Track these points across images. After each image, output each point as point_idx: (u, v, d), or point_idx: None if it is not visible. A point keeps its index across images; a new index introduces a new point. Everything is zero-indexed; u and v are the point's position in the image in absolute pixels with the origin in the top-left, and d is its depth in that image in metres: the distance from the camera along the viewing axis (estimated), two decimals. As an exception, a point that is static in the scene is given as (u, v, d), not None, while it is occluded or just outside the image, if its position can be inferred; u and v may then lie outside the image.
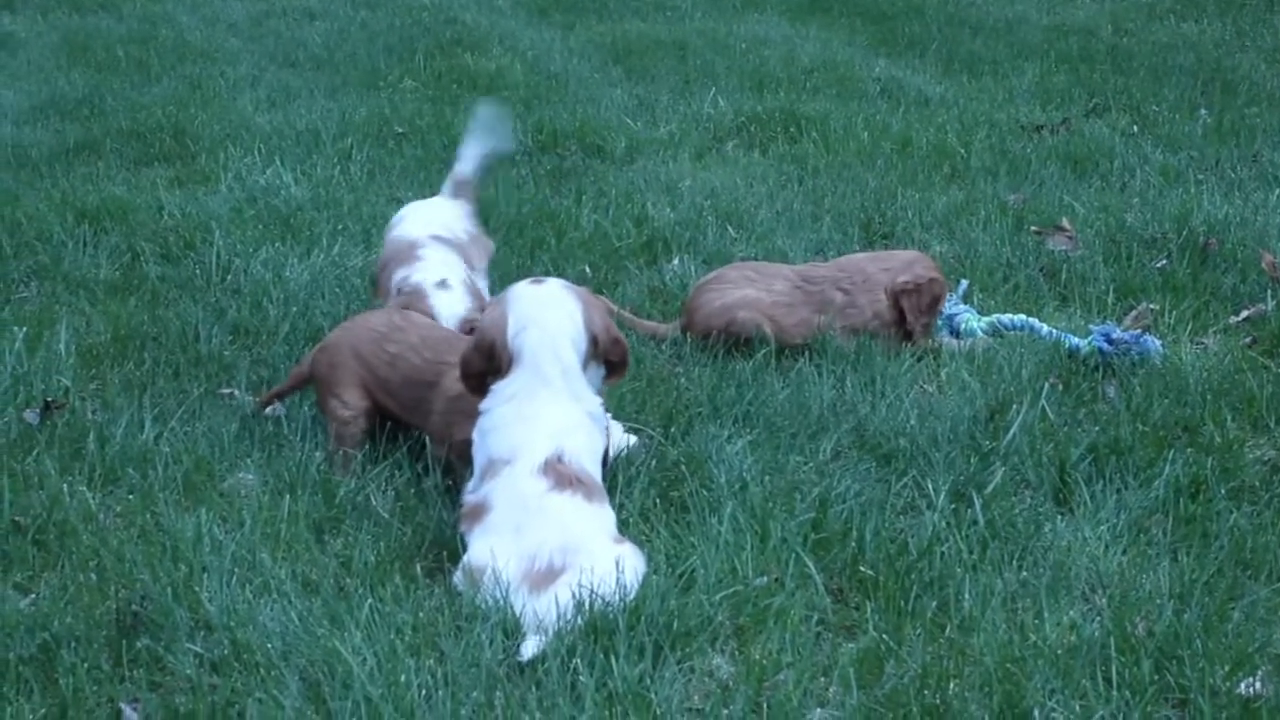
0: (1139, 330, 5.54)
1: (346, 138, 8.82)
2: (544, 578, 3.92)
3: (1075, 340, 5.61)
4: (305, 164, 8.27)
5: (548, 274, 6.29)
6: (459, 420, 4.55)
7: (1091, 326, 5.63)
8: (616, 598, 3.87)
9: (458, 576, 4.09)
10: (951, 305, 5.97)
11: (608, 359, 4.45)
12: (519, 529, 4.06)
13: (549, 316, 4.35)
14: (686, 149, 8.71)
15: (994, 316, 5.92)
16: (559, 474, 4.14)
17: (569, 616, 3.84)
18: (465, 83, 10.49)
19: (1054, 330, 5.77)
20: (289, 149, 8.60)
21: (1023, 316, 5.89)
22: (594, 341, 4.38)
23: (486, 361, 4.35)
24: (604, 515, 4.18)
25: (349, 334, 5.00)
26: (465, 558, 4.12)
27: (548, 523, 4.05)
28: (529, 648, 3.74)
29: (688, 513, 4.45)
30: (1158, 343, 5.55)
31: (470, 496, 4.25)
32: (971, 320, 5.89)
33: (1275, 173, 8.03)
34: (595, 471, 4.27)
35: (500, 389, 4.31)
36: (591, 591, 3.86)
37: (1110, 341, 5.49)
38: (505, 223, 7.08)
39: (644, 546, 4.21)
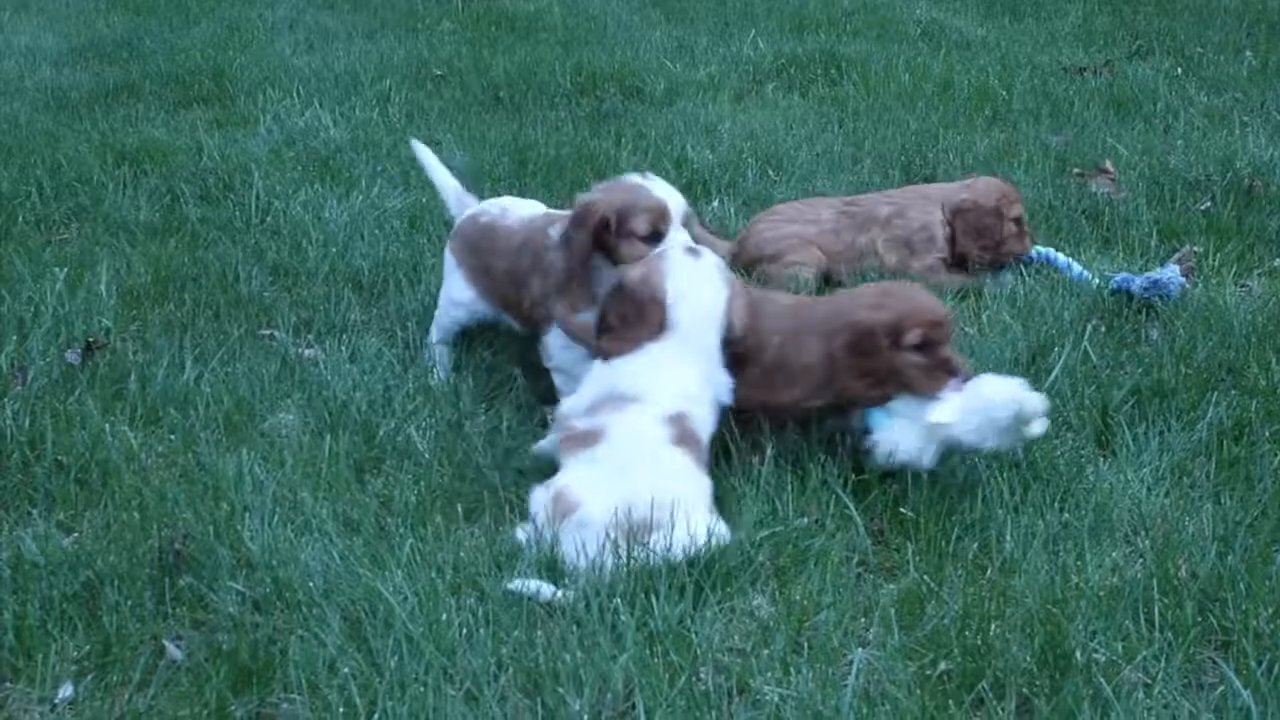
0: (1155, 274, 5.49)
1: (385, 80, 8.80)
2: (637, 530, 3.89)
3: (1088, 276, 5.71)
4: (344, 106, 8.26)
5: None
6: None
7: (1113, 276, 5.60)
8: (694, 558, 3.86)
9: (539, 497, 4.05)
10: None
11: (733, 350, 4.40)
12: (624, 470, 4.02)
13: (705, 294, 4.34)
14: (726, 91, 8.67)
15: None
16: (683, 429, 4.12)
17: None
18: (504, 24, 10.47)
19: (1070, 261, 5.82)
20: (327, 91, 8.60)
21: (1048, 249, 5.90)
22: (729, 329, 4.36)
23: (637, 317, 4.30)
24: (706, 485, 4.11)
25: None
26: (557, 481, 4.07)
27: (660, 473, 4.01)
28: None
29: (729, 455, 4.43)
30: (1178, 278, 5.49)
31: (578, 421, 4.21)
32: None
33: (1321, 114, 7.95)
34: (706, 445, 4.24)
35: (650, 348, 4.28)
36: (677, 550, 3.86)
37: (1129, 293, 5.47)
38: (543, 165, 7.05)
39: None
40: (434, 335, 5.18)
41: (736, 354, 4.40)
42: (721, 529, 3.97)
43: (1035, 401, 4.24)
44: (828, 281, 5.75)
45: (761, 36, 9.92)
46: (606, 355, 4.28)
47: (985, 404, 4.22)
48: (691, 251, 4.41)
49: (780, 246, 5.81)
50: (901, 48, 9.67)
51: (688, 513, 3.90)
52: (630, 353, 4.25)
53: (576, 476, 4.03)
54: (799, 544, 4.01)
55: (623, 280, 4.34)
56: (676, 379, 4.22)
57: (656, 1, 11.18)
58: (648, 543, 3.84)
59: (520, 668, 3.53)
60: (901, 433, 4.29)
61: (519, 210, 5.12)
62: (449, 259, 5.16)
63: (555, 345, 4.76)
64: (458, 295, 5.11)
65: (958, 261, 5.78)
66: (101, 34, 10.30)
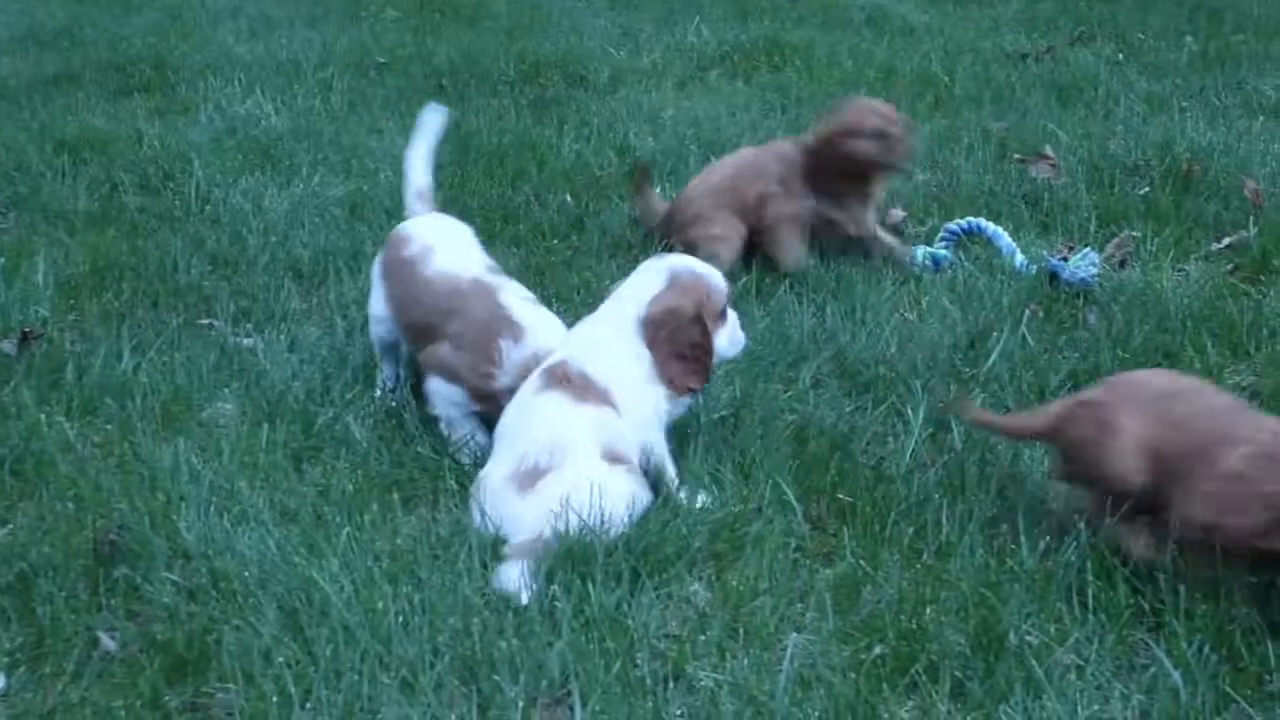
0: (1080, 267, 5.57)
1: (327, 68, 8.79)
2: (530, 475, 3.95)
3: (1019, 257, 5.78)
4: (286, 94, 8.24)
5: (528, 204, 6.33)
6: (1231, 503, 3.65)
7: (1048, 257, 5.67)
8: (594, 522, 3.87)
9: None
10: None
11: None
12: (509, 431, 4.14)
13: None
14: (669, 78, 8.69)
15: (942, 231, 5.99)
16: (552, 375, 4.15)
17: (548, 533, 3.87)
18: (448, 12, 10.46)
19: (999, 232, 5.93)
20: (269, 79, 8.56)
21: (970, 219, 6.00)
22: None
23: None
24: (595, 416, 4.09)
25: (1124, 390, 4.05)
26: None
27: (533, 421, 4.09)
28: (509, 579, 3.76)
29: (668, 441, 4.43)
30: (1092, 268, 5.60)
31: None
32: (920, 250, 5.89)
33: (1259, 100, 8.02)
34: (625, 393, 4.19)
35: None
36: (572, 514, 3.88)
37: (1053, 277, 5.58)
38: (485, 153, 7.05)
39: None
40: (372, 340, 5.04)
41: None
42: (620, 480, 4.00)
43: None
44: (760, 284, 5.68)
45: (706, 23, 9.93)
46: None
47: None
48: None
49: (698, 209, 5.88)
50: (845, 34, 9.69)
51: (572, 446, 3.97)
52: None
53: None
54: (736, 530, 4.02)
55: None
56: (582, 336, 4.30)
57: (601, -11, 11.18)
58: (537, 490, 3.92)
59: (456, 655, 3.52)
60: None
61: (441, 255, 4.75)
62: (374, 270, 4.93)
63: (435, 395, 4.65)
64: (376, 310, 4.88)
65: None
66: (41, 21, 10.23)
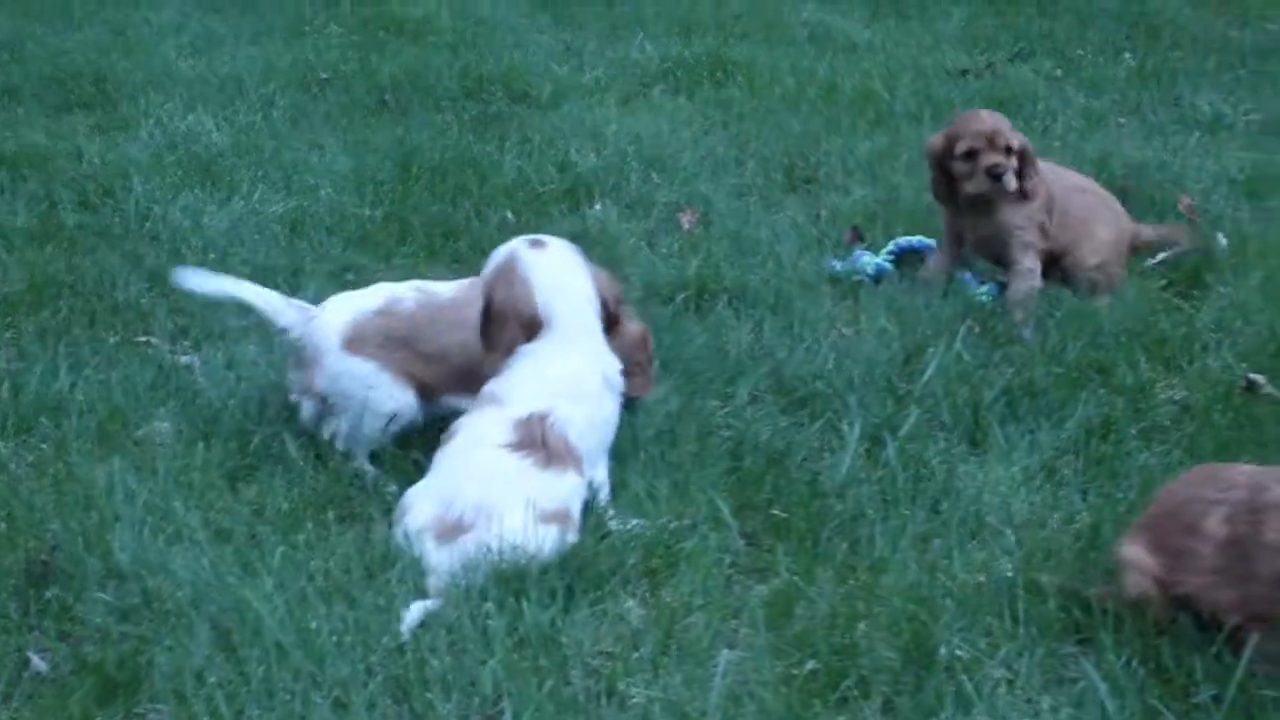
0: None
1: (270, 84, 8.74)
2: (452, 529, 3.92)
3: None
4: (227, 110, 8.21)
5: (468, 221, 6.34)
6: None
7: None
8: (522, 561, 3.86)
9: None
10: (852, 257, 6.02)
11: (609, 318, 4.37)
12: (450, 474, 4.05)
13: (572, 281, 4.31)
14: (612, 94, 8.70)
15: (891, 244, 6.01)
16: (529, 432, 4.08)
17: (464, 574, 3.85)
18: (392, 28, 10.42)
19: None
20: (211, 95, 8.53)
21: (919, 237, 6.00)
22: (604, 304, 4.33)
23: (526, 333, 4.24)
24: (554, 487, 4.04)
25: None
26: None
27: (479, 476, 4.00)
28: (410, 616, 3.72)
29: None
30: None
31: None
32: (868, 259, 5.93)
33: (1196, 115, 8.12)
34: (589, 439, 4.20)
35: (527, 349, 4.24)
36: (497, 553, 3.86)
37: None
38: (427, 169, 7.05)
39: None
40: None
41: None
42: (554, 535, 3.94)
43: None
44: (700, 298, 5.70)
45: (649, 40, 9.95)
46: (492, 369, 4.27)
47: None
48: (536, 243, 4.38)
49: None
50: (788, 50, 9.72)
51: (500, 518, 3.89)
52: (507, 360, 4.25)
53: (419, 483, 4.09)
54: (671, 546, 4.04)
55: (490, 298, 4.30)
56: (553, 375, 4.20)
57: (546, 5, 11.16)
58: (461, 543, 3.88)
59: (389, 674, 3.53)
60: None
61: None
62: None
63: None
64: None
65: None
66: (-19, 37, 10.17)
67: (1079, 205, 5.85)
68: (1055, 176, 5.89)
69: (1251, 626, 3.48)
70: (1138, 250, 5.87)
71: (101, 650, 3.62)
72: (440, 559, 3.87)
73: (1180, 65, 9.18)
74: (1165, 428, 4.70)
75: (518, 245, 4.35)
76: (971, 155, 5.64)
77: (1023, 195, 5.63)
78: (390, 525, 4.07)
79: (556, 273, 4.30)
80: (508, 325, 4.22)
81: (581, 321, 4.27)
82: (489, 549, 3.85)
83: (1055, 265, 5.74)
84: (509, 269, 4.30)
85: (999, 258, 5.73)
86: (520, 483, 3.99)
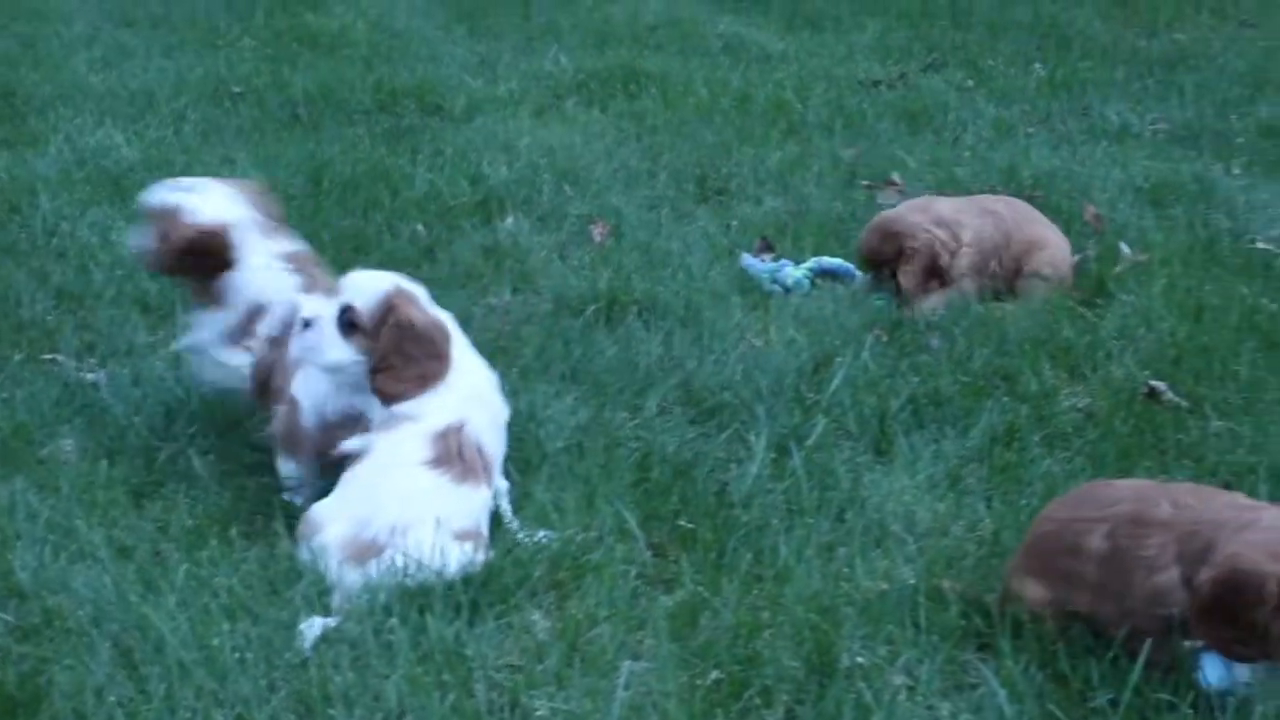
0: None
1: (181, 98, 8.70)
2: (366, 549, 3.90)
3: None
4: (138, 125, 8.17)
5: (380, 235, 6.33)
6: None
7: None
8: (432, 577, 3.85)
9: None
10: (775, 263, 6.06)
11: None
12: (363, 492, 4.02)
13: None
14: (526, 107, 8.72)
15: (813, 260, 6.03)
16: (450, 445, 4.07)
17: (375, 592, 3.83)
18: (306, 41, 10.40)
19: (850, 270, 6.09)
20: (121, 109, 8.49)
21: (840, 260, 6.03)
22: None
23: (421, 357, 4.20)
24: (468, 503, 4.04)
25: None
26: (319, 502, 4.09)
27: (395, 494, 3.98)
28: (310, 633, 3.70)
29: (512, 471, 4.46)
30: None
31: (350, 443, 4.17)
32: (793, 271, 5.96)
33: (1104, 125, 8.21)
34: (495, 445, 4.23)
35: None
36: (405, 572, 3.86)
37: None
38: (339, 183, 7.04)
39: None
40: None
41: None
42: (462, 551, 3.93)
43: None
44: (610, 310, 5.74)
45: (564, 52, 9.97)
46: (390, 399, 4.20)
47: None
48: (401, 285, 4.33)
49: None
50: (702, 62, 9.77)
51: (416, 537, 3.88)
52: (418, 395, 4.21)
53: (329, 498, 4.04)
54: (578, 558, 4.04)
55: (401, 319, 4.23)
56: (461, 383, 4.22)
57: (461, 18, 11.17)
58: (373, 565, 3.85)
59: (293, 689, 3.51)
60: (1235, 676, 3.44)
61: None
62: None
63: None
64: None
65: None
66: (-112, 52, 10.07)
67: (1026, 221, 6.02)
68: (1006, 207, 6.07)
69: (1135, 639, 3.53)
70: None
71: (1, 670, 3.59)
72: (352, 579, 3.85)
73: (1090, 76, 9.29)
74: (1068, 435, 4.74)
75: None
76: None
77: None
78: (295, 541, 4.05)
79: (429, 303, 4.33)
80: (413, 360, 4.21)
81: (463, 339, 4.31)
82: (400, 568, 3.84)
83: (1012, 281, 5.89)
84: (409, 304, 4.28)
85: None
86: (437, 501, 3.98)
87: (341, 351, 4.19)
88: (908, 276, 5.72)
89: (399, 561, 3.85)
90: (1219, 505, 3.56)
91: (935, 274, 5.74)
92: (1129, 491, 3.72)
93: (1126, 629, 3.52)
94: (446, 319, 4.31)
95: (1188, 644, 3.44)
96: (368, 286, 4.24)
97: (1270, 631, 3.29)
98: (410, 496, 3.98)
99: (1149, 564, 3.50)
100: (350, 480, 4.10)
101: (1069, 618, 3.64)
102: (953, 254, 5.75)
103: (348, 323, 4.18)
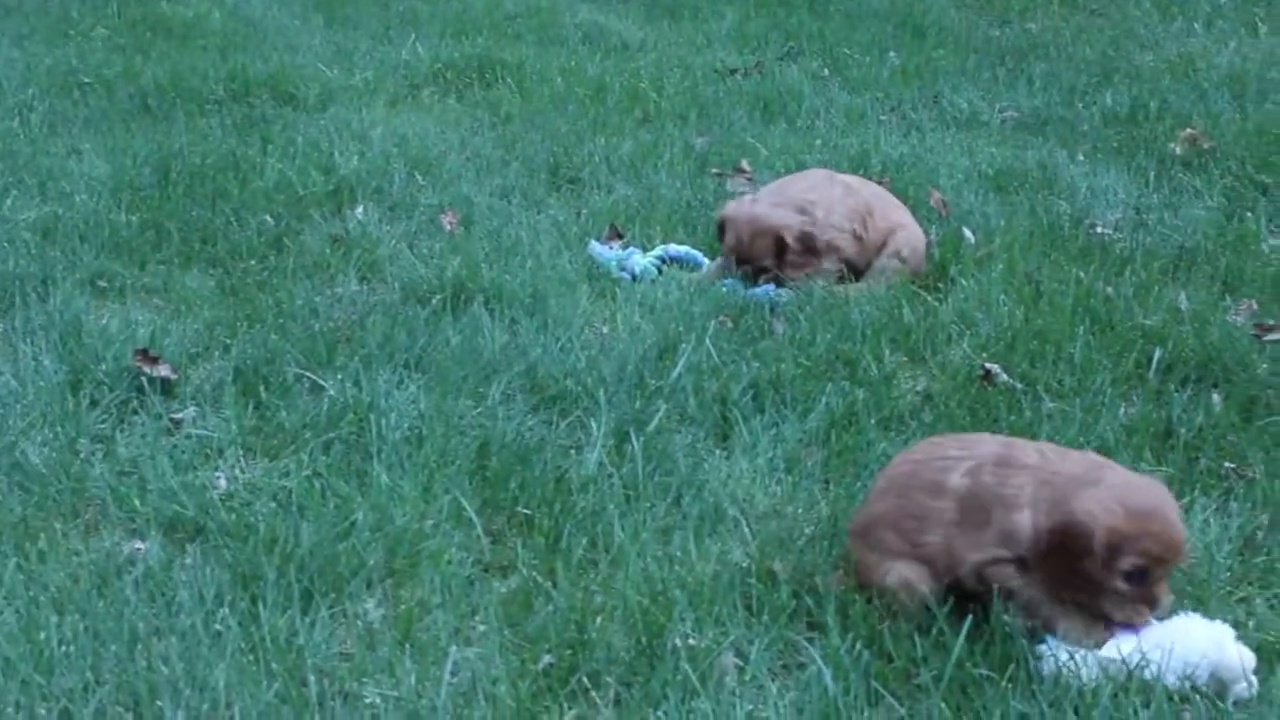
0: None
1: (29, 88, 8.57)
2: None
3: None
4: (-19, 115, 8.04)
5: (227, 225, 6.28)
6: None
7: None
8: None
9: None
10: (623, 251, 6.09)
11: None
12: None
13: None
14: (381, 96, 8.69)
15: (660, 248, 6.06)
16: None
17: None
18: (160, 30, 10.29)
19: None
20: (-35, 100, 8.35)
21: (688, 248, 6.07)
22: None
23: None
24: None
25: None
26: None
27: None
28: None
29: (353, 459, 4.46)
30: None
31: None
32: (640, 258, 5.99)
33: (954, 113, 8.31)
34: None
35: None
36: None
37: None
38: (187, 173, 6.98)
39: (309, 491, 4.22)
40: None
41: None
42: None
43: (1235, 660, 3.48)
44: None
45: (422, 41, 9.94)
46: None
47: (1177, 650, 3.47)
48: None
49: None
50: (560, 51, 9.78)
51: None
52: None
53: None
54: (414, 545, 4.04)
55: None
56: None
57: (319, 6, 11.10)
58: None
59: (120, 681, 3.49)
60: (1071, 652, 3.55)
61: None
62: None
63: None
64: None
65: None
66: None
67: (885, 205, 6.09)
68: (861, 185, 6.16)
69: (981, 588, 3.64)
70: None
71: None
72: None
73: (943, 64, 9.40)
74: (904, 417, 4.81)
75: None
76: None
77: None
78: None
79: None
80: None
81: None
82: None
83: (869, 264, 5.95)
84: None
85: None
86: None
87: None
88: (795, 268, 5.80)
89: None
90: (1074, 460, 3.71)
91: (813, 253, 5.81)
92: (993, 441, 3.88)
93: (971, 574, 3.65)
94: None
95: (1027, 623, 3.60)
96: None
97: (1101, 583, 3.51)
98: None
99: (1008, 502, 3.64)
100: None
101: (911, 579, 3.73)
102: (824, 232, 5.82)
103: None
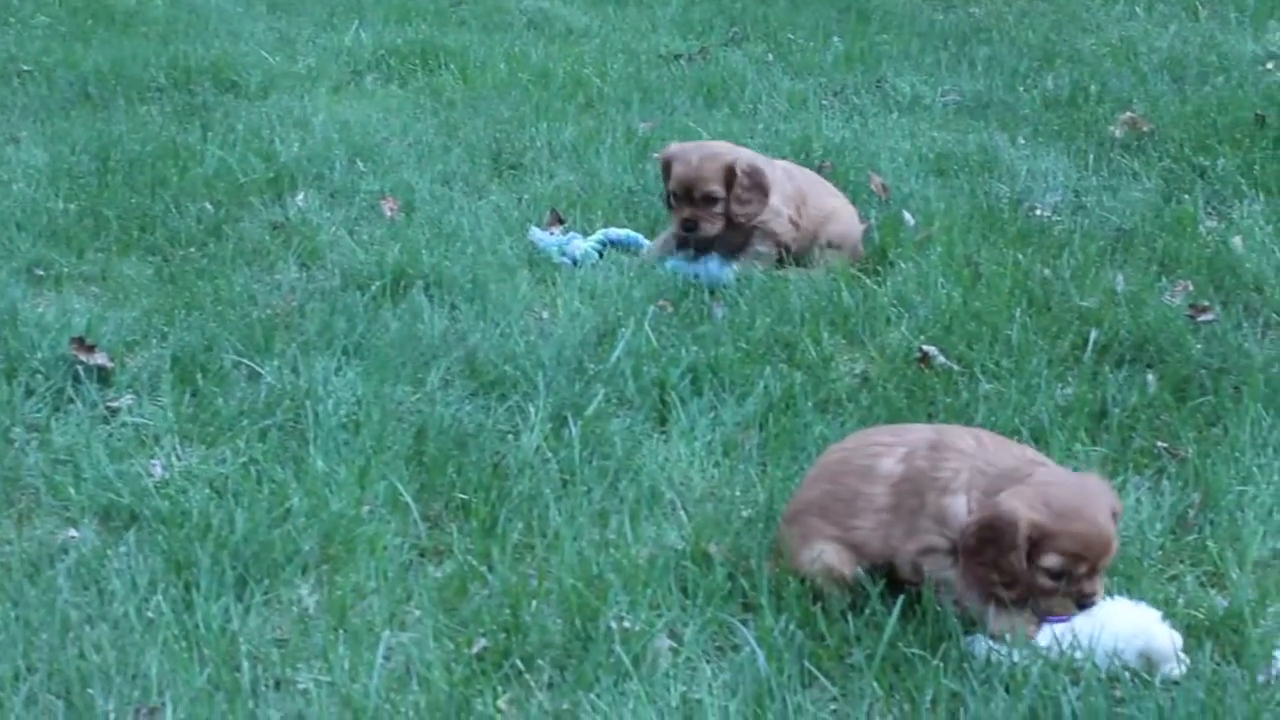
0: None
1: (-33, 76, 8.53)
2: None
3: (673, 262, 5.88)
4: (-86, 106, 7.98)
5: (166, 212, 6.25)
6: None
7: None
8: None
9: None
10: (564, 235, 6.09)
11: None
12: None
13: None
14: (323, 83, 8.68)
15: (601, 232, 6.07)
16: None
17: None
18: (102, 17, 10.23)
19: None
20: (-103, 90, 8.29)
21: (628, 231, 6.07)
22: None
23: None
24: None
25: None
26: None
27: None
28: None
29: (290, 445, 4.45)
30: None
31: None
32: (581, 243, 6.00)
33: (896, 97, 8.33)
34: None
35: None
36: None
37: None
38: (126, 161, 6.94)
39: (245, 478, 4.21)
40: None
41: None
42: None
43: (1164, 642, 3.50)
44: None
45: (366, 27, 9.92)
46: None
47: (1106, 634, 3.51)
48: None
49: None
50: (504, 37, 9.78)
51: None
52: None
53: None
54: (350, 531, 4.04)
55: None
56: None
57: (263, -7, 11.08)
58: None
59: (52, 669, 3.47)
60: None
61: None
62: None
63: None
64: None
65: None
66: None
67: (819, 192, 6.06)
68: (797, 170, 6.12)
69: (915, 580, 3.67)
70: None
71: None
72: None
73: (886, 49, 9.44)
74: (842, 400, 4.82)
75: None
76: (674, 201, 5.81)
77: (731, 224, 5.77)
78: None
79: None
80: None
81: None
82: None
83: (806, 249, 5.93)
84: None
85: (739, 250, 5.85)
86: None
87: None
88: (741, 204, 5.77)
89: None
90: (1011, 454, 3.73)
91: (760, 190, 5.79)
92: (926, 428, 3.93)
93: (906, 561, 3.68)
94: None
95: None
96: None
97: (1025, 577, 3.53)
98: None
99: (943, 485, 3.67)
100: None
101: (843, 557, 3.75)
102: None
103: None
